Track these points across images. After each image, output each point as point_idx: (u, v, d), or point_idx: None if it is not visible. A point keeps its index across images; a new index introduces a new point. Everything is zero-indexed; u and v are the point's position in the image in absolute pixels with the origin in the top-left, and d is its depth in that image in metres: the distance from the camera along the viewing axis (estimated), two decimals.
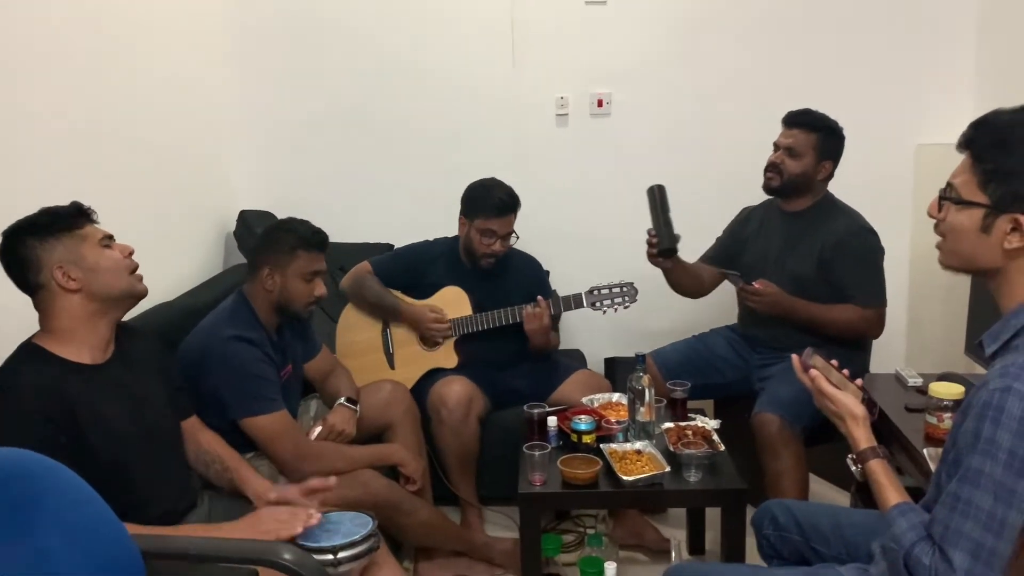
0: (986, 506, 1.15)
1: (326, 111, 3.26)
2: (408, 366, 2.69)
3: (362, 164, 3.30)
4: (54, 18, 2.12)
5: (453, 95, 3.22)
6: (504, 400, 2.65)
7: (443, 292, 2.70)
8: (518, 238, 2.69)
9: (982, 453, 1.16)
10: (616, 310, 2.62)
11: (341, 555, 1.64)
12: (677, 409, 2.33)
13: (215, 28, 3.12)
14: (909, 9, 3.07)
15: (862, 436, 1.43)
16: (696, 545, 2.55)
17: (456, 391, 2.51)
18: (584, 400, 2.44)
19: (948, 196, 1.30)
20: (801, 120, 2.50)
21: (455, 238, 2.74)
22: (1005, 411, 1.14)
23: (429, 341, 2.69)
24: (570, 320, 3.22)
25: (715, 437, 2.15)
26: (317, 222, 2.20)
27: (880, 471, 1.38)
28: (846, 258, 2.44)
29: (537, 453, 2.07)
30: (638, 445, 2.14)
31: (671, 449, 2.10)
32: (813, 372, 1.50)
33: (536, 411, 2.28)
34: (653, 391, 2.20)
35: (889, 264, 2.51)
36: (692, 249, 2.72)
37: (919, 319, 3.20)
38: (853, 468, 1.46)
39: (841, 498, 2.59)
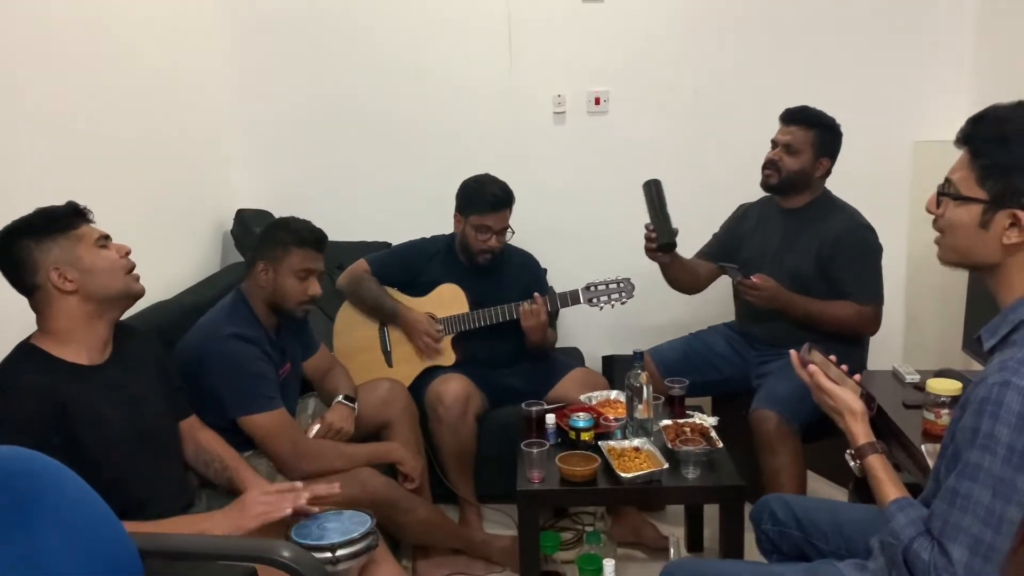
0: (985, 501, 1.15)
1: (323, 110, 3.26)
2: (406, 364, 2.68)
3: (359, 162, 3.30)
4: (52, 17, 2.12)
5: (451, 94, 3.21)
6: (502, 398, 2.65)
7: (440, 289, 2.70)
8: (514, 233, 2.68)
9: (981, 448, 1.16)
10: (613, 306, 2.61)
11: (339, 553, 1.64)
12: (675, 406, 2.33)
13: (213, 28, 3.12)
14: (906, 6, 3.07)
15: (861, 432, 1.43)
16: (694, 542, 2.55)
17: (454, 389, 2.50)
18: (582, 398, 2.44)
19: (946, 192, 1.30)
20: (799, 117, 2.50)
21: (451, 235, 2.74)
22: (1004, 406, 1.14)
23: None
24: (568, 318, 3.22)
25: (713, 434, 2.15)
26: (315, 220, 2.20)
27: (879, 466, 1.38)
28: (844, 255, 2.44)
29: (535, 450, 2.07)
30: (636, 442, 2.14)
31: (669, 446, 2.10)
32: (812, 368, 1.50)
33: (534, 409, 2.27)
34: (651, 388, 2.20)
35: (886, 261, 2.50)
36: (690, 246, 2.72)
37: (916, 316, 3.20)
38: (852, 464, 1.46)
39: (839, 494, 2.60)
